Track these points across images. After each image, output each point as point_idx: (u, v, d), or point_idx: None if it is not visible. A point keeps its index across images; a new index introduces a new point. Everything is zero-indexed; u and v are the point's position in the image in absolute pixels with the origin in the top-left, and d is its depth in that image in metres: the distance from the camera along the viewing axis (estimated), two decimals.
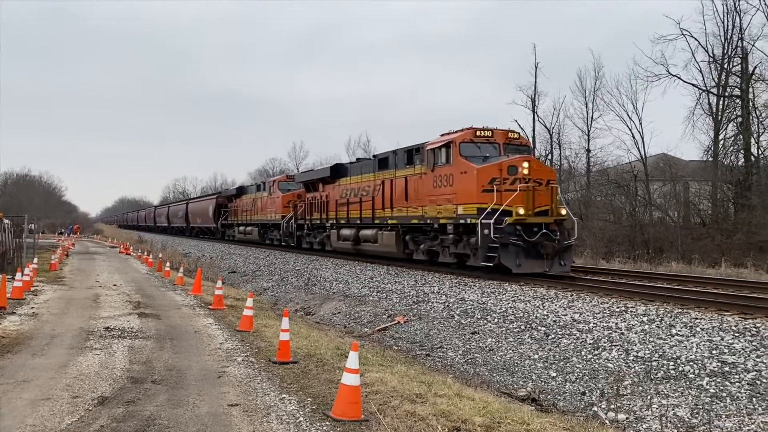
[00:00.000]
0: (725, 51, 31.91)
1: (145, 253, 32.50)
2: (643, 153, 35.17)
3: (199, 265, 26.66)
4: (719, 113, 32.39)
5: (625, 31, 71.54)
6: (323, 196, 27.34)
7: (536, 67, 40.69)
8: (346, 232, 24.73)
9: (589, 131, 39.58)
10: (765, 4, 30.01)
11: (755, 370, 7.95)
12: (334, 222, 26.13)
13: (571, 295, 13.20)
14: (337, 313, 16.43)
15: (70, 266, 26.04)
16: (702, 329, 9.62)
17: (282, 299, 20.04)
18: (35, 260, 21.52)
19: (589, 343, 10.21)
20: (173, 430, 5.52)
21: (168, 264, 23.16)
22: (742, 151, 31.43)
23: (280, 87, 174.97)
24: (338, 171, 26.51)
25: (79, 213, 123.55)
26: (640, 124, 35.39)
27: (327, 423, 5.74)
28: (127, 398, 6.43)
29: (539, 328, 11.46)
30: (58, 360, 8.15)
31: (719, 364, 8.37)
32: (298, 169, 76.61)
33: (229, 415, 5.93)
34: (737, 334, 9.12)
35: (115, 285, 18.13)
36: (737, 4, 31.01)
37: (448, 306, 14.26)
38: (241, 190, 43.89)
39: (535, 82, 40.98)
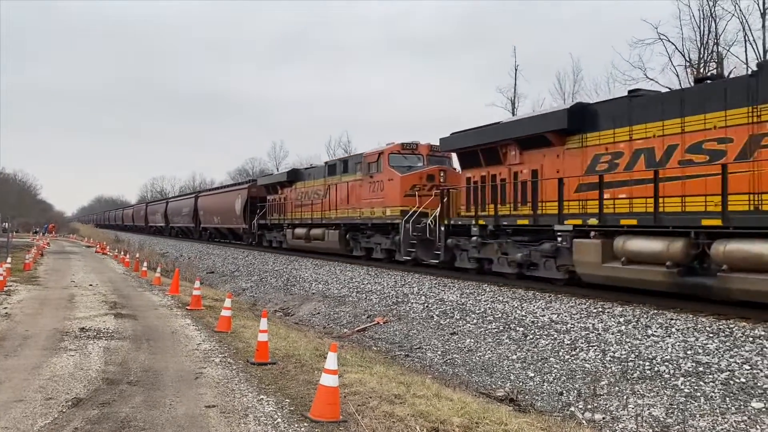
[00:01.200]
0: (701, 56, 32.36)
1: (122, 252, 32.12)
2: None
3: (177, 265, 26.45)
4: None
5: (606, 35, 72.35)
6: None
7: (516, 70, 40.97)
8: (299, 231, 27.27)
9: None
10: (740, 11, 30.50)
11: (728, 370, 8.06)
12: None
13: (549, 296, 13.29)
14: (316, 313, 16.38)
15: (45, 266, 25.65)
16: (677, 330, 9.74)
17: (261, 300, 19.93)
18: (9, 260, 21.15)
19: (567, 344, 10.29)
20: (149, 431, 5.46)
21: (145, 264, 22.91)
22: None
23: (260, 87, 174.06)
24: (295, 175, 29.57)
25: (55, 212, 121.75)
26: None
27: (305, 424, 5.72)
28: (102, 400, 6.34)
29: (518, 328, 11.53)
30: (32, 361, 8.01)
31: (694, 364, 8.48)
32: (278, 168, 76.32)
33: (206, 417, 5.88)
34: (711, 335, 9.25)
35: (90, 285, 17.89)
36: (713, 9, 31.49)
37: (427, 307, 14.28)
38: (296, 175, 29.60)
39: (515, 84, 41.27)
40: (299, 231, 27.29)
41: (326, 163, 26.79)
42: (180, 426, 5.60)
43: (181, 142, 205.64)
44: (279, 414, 6.01)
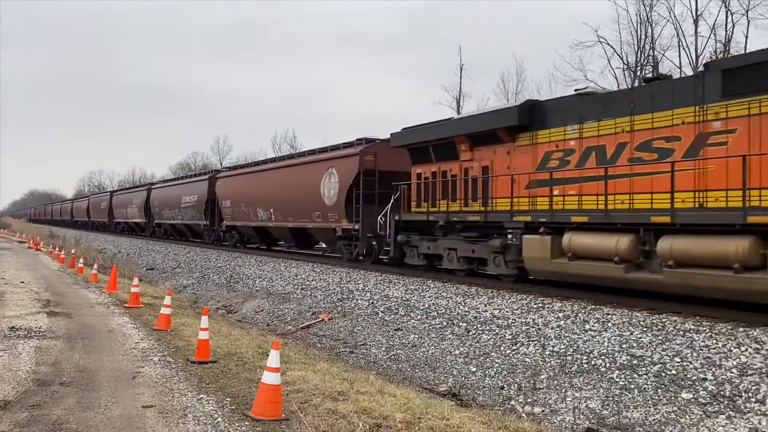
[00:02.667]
0: (638, 59, 33.50)
1: (57, 248, 30.95)
2: None
3: (116, 261, 25.67)
4: None
5: (549, 37, 73.90)
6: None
7: (461, 69, 41.38)
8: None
9: None
10: (674, 17, 31.72)
11: (660, 363, 8.38)
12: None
13: (492, 292, 13.50)
14: (260, 311, 16.18)
15: None
16: (613, 324, 10.05)
17: (203, 297, 19.55)
18: None
19: (508, 339, 10.48)
20: None
21: (82, 260, 22.13)
22: None
23: (203, 80, 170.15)
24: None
25: None
26: None
27: (246, 423, 5.63)
28: (32, 402, 6.09)
29: (460, 324, 11.68)
30: None
31: (628, 357, 8.78)
32: (221, 164, 74.94)
33: (144, 417, 5.72)
34: (645, 329, 9.58)
35: (22, 282, 17.15)
36: (649, 15, 32.63)
37: (372, 303, 14.31)
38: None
39: (460, 83, 41.72)
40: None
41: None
42: (116, 428, 5.43)
43: (120, 136, 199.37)
44: (219, 413, 5.90)
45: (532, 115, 13.26)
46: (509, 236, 13.30)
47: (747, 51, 16.06)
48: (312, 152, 22.66)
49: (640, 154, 11.21)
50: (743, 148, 9.52)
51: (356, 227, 18.50)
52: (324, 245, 23.51)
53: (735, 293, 9.47)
